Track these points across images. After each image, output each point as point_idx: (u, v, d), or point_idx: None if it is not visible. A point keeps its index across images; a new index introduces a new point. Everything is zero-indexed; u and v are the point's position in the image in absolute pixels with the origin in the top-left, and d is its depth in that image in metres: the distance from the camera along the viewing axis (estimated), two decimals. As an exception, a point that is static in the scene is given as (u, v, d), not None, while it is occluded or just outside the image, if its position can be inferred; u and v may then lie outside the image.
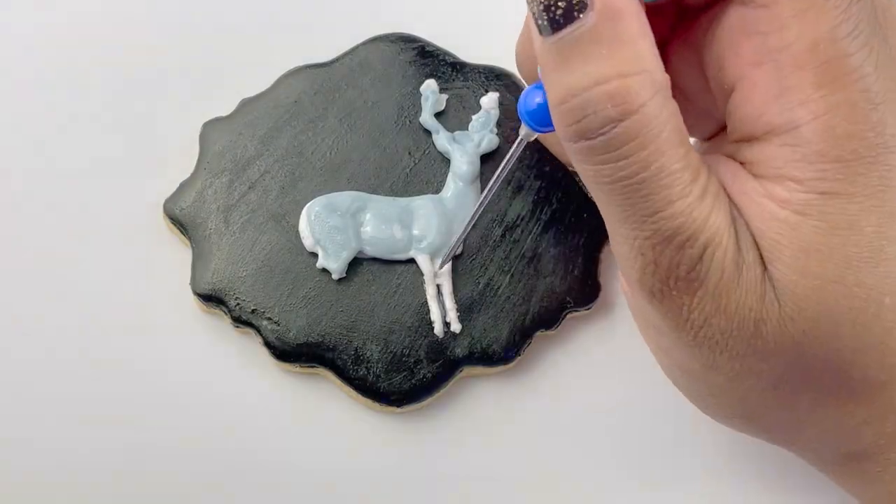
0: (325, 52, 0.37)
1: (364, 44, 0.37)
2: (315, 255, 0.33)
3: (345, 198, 0.34)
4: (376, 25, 0.37)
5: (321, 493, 0.33)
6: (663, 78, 0.21)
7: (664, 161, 0.21)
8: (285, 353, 0.33)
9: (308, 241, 0.33)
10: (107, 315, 0.34)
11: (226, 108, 0.36)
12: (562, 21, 0.20)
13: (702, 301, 0.22)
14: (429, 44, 0.37)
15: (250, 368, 0.34)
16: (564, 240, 0.34)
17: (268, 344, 0.33)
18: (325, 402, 0.33)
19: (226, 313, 0.33)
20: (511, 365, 0.33)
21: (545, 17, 0.20)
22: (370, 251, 0.33)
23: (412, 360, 0.33)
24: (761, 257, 0.22)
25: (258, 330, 0.33)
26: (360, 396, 0.33)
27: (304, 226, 0.33)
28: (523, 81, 0.36)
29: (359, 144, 0.35)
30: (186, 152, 0.35)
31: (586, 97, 0.20)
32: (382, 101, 0.36)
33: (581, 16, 0.20)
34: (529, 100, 0.25)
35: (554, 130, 0.24)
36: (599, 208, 0.23)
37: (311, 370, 0.33)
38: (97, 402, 0.33)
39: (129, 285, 0.34)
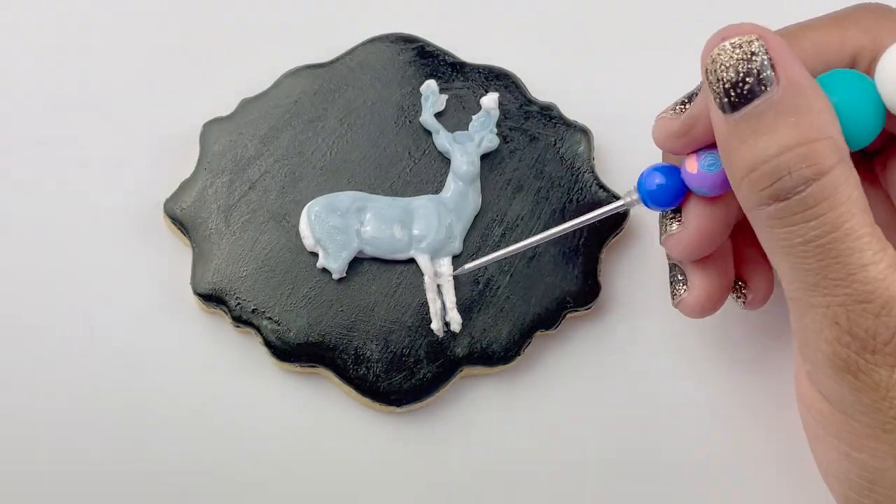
0: (325, 52, 0.37)
1: (364, 44, 0.37)
2: (315, 255, 0.33)
3: (345, 198, 0.34)
4: (376, 25, 0.37)
5: (321, 493, 0.33)
6: (846, 148, 0.22)
7: (854, 223, 0.21)
8: (285, 352, 0.33)
9: (308, 241, 0.33)
10: (107, 315, 0.34)
11: (226, 108, 0.36)
12: (748, 97, 0.21)
13: None
14: (429, 44, 0.37)
15: (250, 368, 0.34)
16: (564, 240, 0.34)
17: (268, 344, 0.33)
18: (325, 401, 0.33)
19: (226, 313, 0.33)
20: (511, 365, 0.33)
21: (731, 96, 0.22)
22: (370, 251, 0.33)
23: (412, 360, 0.33)
24: None
25: (258, 330, 0.33)
26: (360, 396, 0.33)
27: (304, 226, 0.33)
28: (524, 83, 0.36)
29: (359, 144, 0.35)
30: (187, 152, 0.35)
31: (780, 161, 0.21)
32: (382, 101, 0.36)
33: (768, 89, 0.21)
34: (649, 181, 0.27)
35: (666, 208, 0.27)
36: (786, 279, 0.23)
37: (311, 370, 0.33)
38: (97, 402, 0.33)
39: (129, 285, 0.34)
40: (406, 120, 0.35)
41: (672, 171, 0.27)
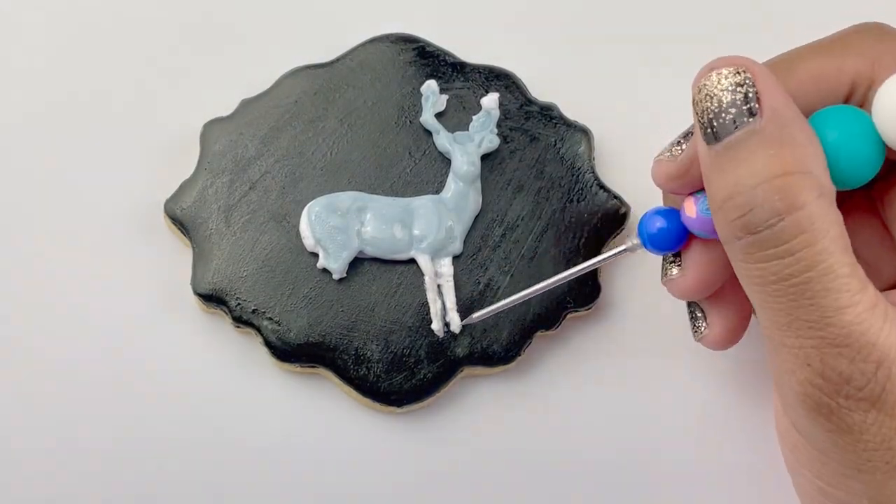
0: (326, 52, 0.37)
1: (364, 44, 0.37)
2: (315, 256, 0.33)
3: (345, 198, 0.34)
4: (376, 25, 0.37)
5: (321, 493, 0.33)
6: (829, 185, 0.21)
7: (832, 262, 0.20)
8: (286, 353, 0.33)
9: (309, 242, 0.33)
10: (107, 315, 0.34)
11: (226, 108, 0.36)
12: (730, 127, 0.21)
13: (878, 419, 0.20)
14: (429, 44, 0.37)
15: (251, 368, 0.34)
16: (564, 240, 0.34)
17: (268, 344, 0.33)
18: (325, 402, 0.33)
19: (226, 313, 0.33)
20: (511, 365, 0.33)
21: (714, 126, 0.21)
22: (371, 251, 0.33)
23: (412, 360, 0.33)
24: None
25: (259, 330, 0.33)
26: (360, 396, 0.33)
27: (304, 226, 0.33)
28: (524, 84, 0.36)
29: (359, 144, 0.35)
30: (187, 152, 0.35)
31: (753, 192, 0.20)
32: (383, 101, 0.36)
33: (751, 120, 0.21)
34: (650, 224, 0.26)
35: (668, 251, 0.26)
36: (760, 316, 0.22)
37: (311, 370, 0.33)
38: (97, 402, 0.33)
39: (129, 285, 0.34)
40: (406, 120, 0.35)
41: (673, 214, 0.26)
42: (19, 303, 0.34)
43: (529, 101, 0.36)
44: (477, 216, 0.34)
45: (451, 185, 0.34)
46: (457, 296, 0.33)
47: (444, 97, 0.36)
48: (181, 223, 0.34)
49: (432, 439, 0.33)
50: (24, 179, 0.36)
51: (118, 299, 0.34)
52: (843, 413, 0.21)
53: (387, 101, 0.36)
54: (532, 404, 0.34)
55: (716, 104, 0.21)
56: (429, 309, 0.33)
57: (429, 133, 0.35)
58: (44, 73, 0.37)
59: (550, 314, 0.34)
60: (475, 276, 0.34)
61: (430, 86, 0.35)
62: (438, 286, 0.33)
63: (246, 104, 0.36)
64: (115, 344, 0.34)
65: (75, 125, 0.36)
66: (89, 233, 0.35)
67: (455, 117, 0.36)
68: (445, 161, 0.35)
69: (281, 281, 0.33)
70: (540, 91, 0.36)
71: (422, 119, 0.35)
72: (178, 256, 0.34)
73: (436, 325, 0.33)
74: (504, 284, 0.34)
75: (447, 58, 0.37)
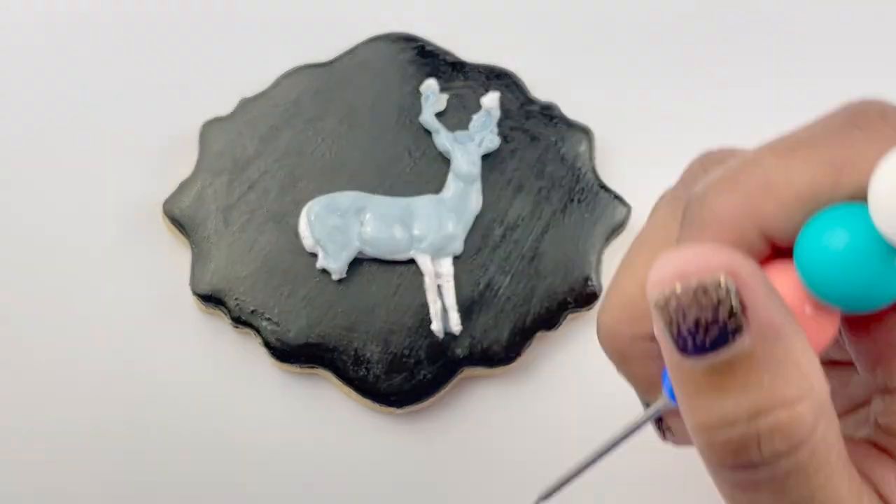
0: (325, 51, 0.37)
1: (364, 43, 0.36)
2: (315, 256, 0.33)
3: (345, 198, 0.34)
4: (376, 25, 0.37)
5: (321, 494, 0.33)
6: (826, 393, 0.18)
7: (829, 491, 0.18)
8: (285, 353, 0.32)
9: (308, 242, 0.33)
10: (106, 315, 0.34)
11: (225, 107, 0.36)
12: (710, 347, 0.17)
13: None
14: (429, 43, 0.37)
15: (250, 369, 0.34)
16: (565, 240, 0.34)
17: (267, 344, 0.33)
18: (324, 402, 0.33)
19: (225, 314, 0.33)
20: (511, 365, 0.33)
21: (688, 344, 0.17)
22: (370, 251, 0.33)
23: (412, 361, 0.33)
24: None
25: (258, 330, 0.33)
26: (360, 397, 0.33)
27: (304, 226, 0.33)
28: (524, 83, 0.36)
29: (359, 144, 0.35)
30: (186, 152, 0.35)
31: (748, 430, 0.17)
32: (382, 100, 0.36)
33: (736, 338, 0.17)
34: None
35: None
36: None
37: (310, 371, 0.33)
38: (96, 402, 0.33)
39: (128, 285, 0.34)
40: (406, 119, 0.35)
41: None
42: (18, 303, 0.34)
43: (530, 101, 0.36)
44: (477, 216, 0.34)
45: (452, 185, 0.34)
46: (457, 296, 0.33)
47: (445, 96, 0.35)
48: (180, 223, 0.34)
49: (432, 440, 0.33)
50: (23, 179, 0.36)
51: (117, 300, 0.34)
52: None
53: (387, 100, 0.36)
54: (532, 404, 0.34)
55: (690, 322, 0.17)
56: (429, 309, 0.33)
57: (429, 133, 0.35)
58: (42, 73, 0.37)
59: (551, 314, 0.33)
60: (475, 276, 0.34)
61: (430, 85, 0.35)
62: (438, 286, 0.33)
63: (245, 103, 0.36)
64: (114, 344, 0.34)
65: (74, 125, 0.36)
66: (88, 233, 0.35)
67: (455, 117, 0.35)
68: (445, 161, 0.35)
69: (280, 281, 0.33)
70: (540, 90, 0.36)
71: (422, 118, 0.35)
72: (176, 257, 0.34)
73: (436, 326, 0.33)
74: (504, 284, 0.34)
75: (447, 57, 0.36)
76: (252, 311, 0.33)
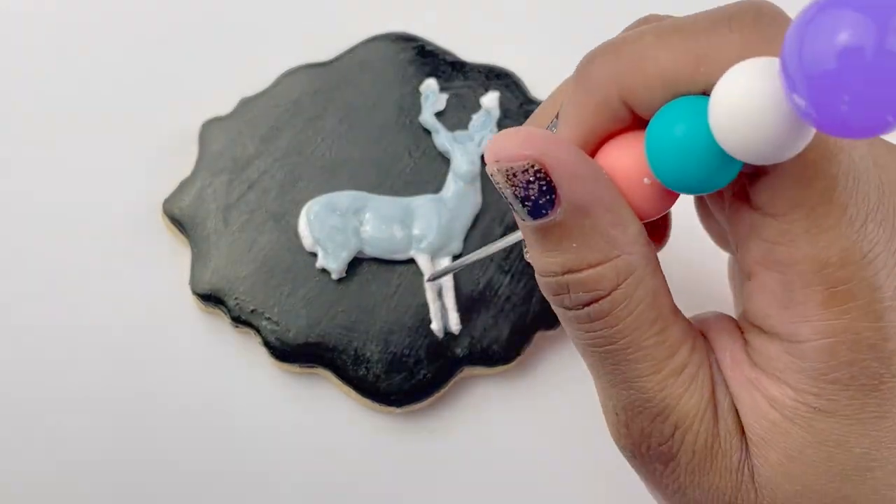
0: (325, 51, 0.37)
1: (364, 43, 0.36)
2: (314, 255, 0.33)
3: (344, 197, 0.34)
4: (376, 24, 0.37)
5: (321, 493, 0.33)
6: (642, 256, 0.21)
7: (634, 337, 0.21)
8: (285, 353, 0.32)
9: (307, 241, 0.33)
10: (105, 315, 0.34)
11: (225, 107, 0.36)
12: (532, 214, 0.20)
13: (675, 472, 0.22)
14: (428, 43, 0.37)
15: (250, 368, 0.34)
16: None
17: (267, 344, 0.33)
18: (324, 402, 0.33)
19: (225, 313, 0.33)
20: (511, 365, 0.33)
21: (516, 208, 0.21)
22: (370, 251, 0.33)
23: (412, 361, 0.32)
24: (745, 446, 0.22)
25: (258, 330, 0.33)
26: (359, 397, 0.33)
27: (303, 225, 0.33)
28: (524, 83, 0.36)
29: (358, 144, 0.35)
30: (185, 151, 0.35)
31: (560, 281, 0.21)
32: (382, 100, 0.36)
33: (548, 212, 0.20)
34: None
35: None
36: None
37: (310, 370, 0.33)
38: (95, 402, 0.33)
39: (128, 285, 0.34)
40: (406, 119, 0.35)
41: None
42: (17, 302, 0.34)
43: (529, 100, 0.36)
44: (477, 215, 0.34)
45: (451, 185, 0.34)
46: (456, 295, 0.33)
47: (444, 96, 0.35)
48: (180, 223, 0.34)
49: (432, 439, 0.33)
50: (23, 179, 0.36)
51: (116, 299, 0.34)
52: (647, 460, 0.23)
53: (386, 100, 0.36)
54: (532, 404, 0.34)
55: (510, 194, 0.20)
56: (428, 309, 0.33)
57: (428, 132, 0.35)
58: (41, 73, 0.37)
59: (550, 314, 0.33)
60: (475, 276, 0.34)
61: (430, 85, 0.35)
62: (438, 286, 0.33)
63: (245, 103, 0.36)
64: (114, 344, 0.34)
65: (73, 124, 0.36)
66: (87, 232, 0.35)
67: (455, 116, 0.35)
68: (445, 160, 0.35)
69: (280, 281, 0.33)
70: (540, 90, 0.36)
71: (421, 118, 0.35)
72: (176, 256, 0.34)
73: (435, 325, 0.33)
74: (504, 284, 0.33)
75: (447, 57, 0.36)
76: (252, 311, 0.33)
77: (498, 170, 0.20)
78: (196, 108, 0.36)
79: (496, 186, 0.20)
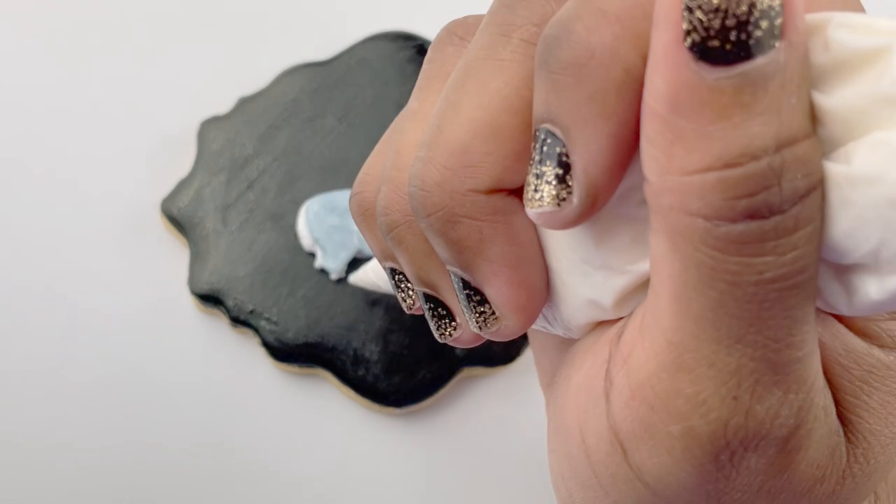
0: (324, 50, 0.36)
1: (363, 42, 0.36)
2: (313, 255, 0.33)
3: (344, 197, 0.34)
4: (375, 23, 0.37)
5: (320, 493, 0.33)
6: None
7: (815, 267, 0.15)
8: (284, 353, 0.32)
9: (306, 241, 0.33)
10: (104, 315, 0.34)
11: (224, 106, 0.35)
12: (747, 50, 0.14)
13: (769, 465, 0.16)
14: (427, 41, 0.36)
15: (249, 369, 0.33)
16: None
17: (266, 344, 0.32)
18: (324, 402, 0.33)
19: (224, 313, 0.33)
20: (510, 365, 0.33)
21: (722, 39, 0.14)
22: (369, 251, 0.33)
23: (412, 361, 0.32)
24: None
25: (256, 330, 0.32)
26: (359, 397, 0.32)
27: (302, 225, 0.33)
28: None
29: (358, 143, 0.35)
30: (184, 151, 0.35)
31: (773, 161, 0.14)
32: (381, 98, 0.35)
33: (776, 45, 0.14)
34: None
35: None
36: (687, 324, 0.16)
37: (309, 370, 0.33)
38: (95, 402, 0.33)
39: (126, 285, 0.34)
40: (405, 118, 0.35)
41: None
42: (15, 302, 0.34)
43: (529, 99, 0.36)
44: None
45: (451, 184, 0.34)
46: (456, 295, 0.33)
47: (444, 95, 0.35)
48: (178, 223, 0.34)
49: (432, 439, 0.33)
50: (21, 179, 0.36)
51: (114, 299, 0.34)
52: (739, 460, 0.16)
53: (386, 98, 0.35)
54: (532, 404, 0.34)
55: (745, 7, 0.14)
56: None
57: (428, 131, 0.35)
58: (40, 72, 0.37)
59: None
60: (475, 275, 0.33)
61: (429, 83, 0.35)
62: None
63: (244, 102, 0.35)
64: (112, 344, 0.33)
65: (72, 124, 0.36)
66: (85, 232, 0.35)
67: (454, 115, 0.35)
68: (445, 159, 0.35)
69: (279, 281, 0.33)
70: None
71: (421, 117, 0.35)
72: (174, 256, 0.34)
73: (435, 325, 0.33)
74: (504, 284, 0.33)
75: (446, 55, 0.36)
76: (251, 311, 0.33)
77: None
78: (194, 107, 0.35)
79: (672, 32, 0.14)
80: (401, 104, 0.35)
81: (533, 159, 0.16)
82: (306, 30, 0.38)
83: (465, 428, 0.33)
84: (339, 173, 0.34)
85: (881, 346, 0.18)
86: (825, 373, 0.17)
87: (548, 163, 0.16)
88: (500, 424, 0.33)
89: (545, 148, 0.16)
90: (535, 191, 0.16)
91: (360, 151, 0.35)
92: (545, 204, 0.16)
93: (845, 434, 0.17)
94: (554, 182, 0.16)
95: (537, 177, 0.16)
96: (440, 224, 0.17)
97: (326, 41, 0.37)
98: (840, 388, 0.17)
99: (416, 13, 0.38)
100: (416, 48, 0.36)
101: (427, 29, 0.37)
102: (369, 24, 0.37)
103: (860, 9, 0.16)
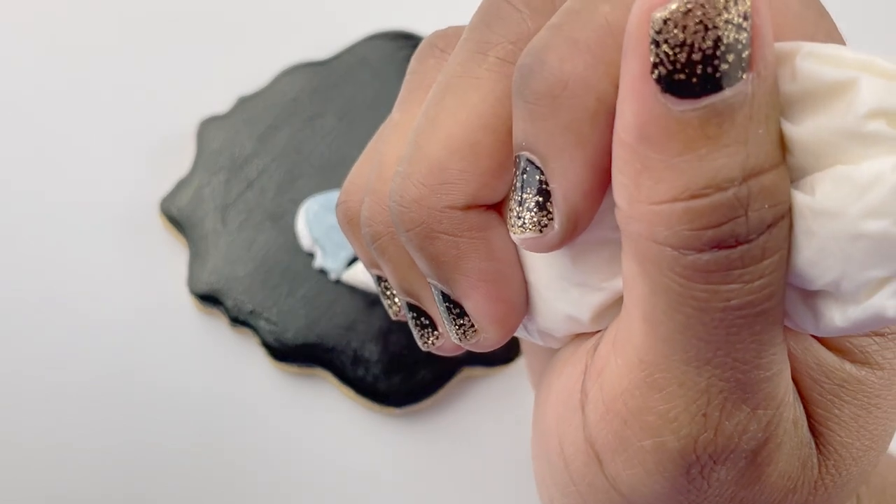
0: (323, 49, 0.36)
1: (362, 41, 0.36)
2: (313, 255, 0.33)
3: (343, 196, 0.33)
4: (374, 22, 0.37)
5: (320, 494, 0.32)
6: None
7: (782, 282, 0.15)
8: (283, 353, 0.32)
9: (306, 241, 0.33)
10: (103, 315, 0.34)
11: (223, 105, 0.35)
12: (715, 82, 0.14)
13: (739, 477, 0.17)
14: (428, 40, 0.36)
15: (248, 369, 0.33)
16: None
17: (266, 344, 0.32)
18: (323, 402, 0.33)
19: (223, 313, 0.33)
20: (510, 365, 0.33)
21: (688, 73, 0.14)
22: (369, 250, 0.33)
23: (411, 361, 0.32)
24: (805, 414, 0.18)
25: (256, 330, 0.32)
26: (358, 397, 0.32)
27: (301, 225, 0.33)
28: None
29: (357, 142, 0.35)
30: (183, 150, 0.35)
31: (739, 192, 0.14)
32: (381, 98, 0.35)
33: (744, 77, 0.14)
34: None
35: None
36: (658, 346, 0.16)
37: (309, 371, 0.33)
38: (94, 402, 0.33)
39: (125, 285, 0.34)
40: (405, 117, 0.35)
41: None
42: (14, 303, 0.34)
43: (529, 99, 0.36)
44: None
45: (451, 184, 0.34)
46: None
47: (444, 94, 0.35)
48: (177, 222, 0.34)
49: (431, 440, 0.33)
50: (20, 178, 0.35)
51: (113, 299, 0.34)
52: (709, 472, 0.17)
53: (385, 97, 0.35)
54: (531, 404, 0.34)
55: (710, 42, 0.14)
56: (428, 309, 0.33)
57: (428, 131, 0.35)
58: (39, 71, 0.37)
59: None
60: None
61: (429, 83, 0.35)
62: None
63: (243, 102, 0.35)
64: (111, 344, 0.33)
65: (71, 123, 0.36)
66: (84, 232, 0.35)
67: (454, 115, 0.35)
68: (444, 159, 0.35)
69: (278, 281, 0.33)
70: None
71: (421, 116, 0.35)
72: (174, 256, 0.34)
73: (435, 325, 0.32)
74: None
75: (446, 54, 0.36)
76: (250, 311, 0.33)
77: (680, 6, 0.13)
78: (194, 106, 0.35)
79: (662, 30, 0.14)
80: (400, 103, 0.35)
81: (515, 185, 0.16)
82: (306, 29, 0.38)
83: (465, 428, 0.33)
84: (339, 173, 0.34)
85: (853, 362, 0.18)
86: (797, 385, 0.17)
87: (529, 190, 0.16)
88: (500, 424, 0.33)
89: (525, 175, 0.16)
90: (518, 217, 0.16)
91: (360, 151, 0.35)
92: (528, 230, 0.16)
93: (817, 446, 0.18)
94: (535, 209, 0.16)
95: (519, 203, 0.16)
96: (419, 239, 0.17)
97: (326, 40, 0.37)
98: (811, 402, 0.18)
99: (416, 12, 0.38)
100: (416, 47, 0.36)
101: (427, 28, 0.37)
102: (369, 24, 0.37)
103: (835, 32, 0.16)
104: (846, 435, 0.18)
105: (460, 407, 0.33)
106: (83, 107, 0.36)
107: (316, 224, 0.33)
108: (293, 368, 0.33)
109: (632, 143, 0.14)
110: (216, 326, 0.34)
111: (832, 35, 0.16)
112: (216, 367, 0.33)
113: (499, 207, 0.18)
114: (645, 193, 0.14)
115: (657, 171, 0.14)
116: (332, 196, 0.33)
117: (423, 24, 0.37)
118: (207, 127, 0.35)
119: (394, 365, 0.32)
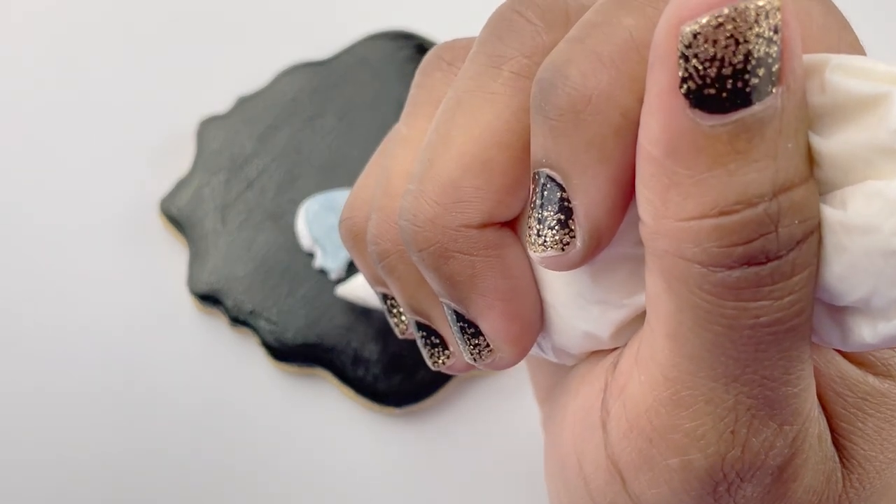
0: (323, 49, 0.36)
1: (362, 41, 0.36)
2: (313, 255, 0.33)
3: (343, 196, 0.33)
4: (374, 22, 0.37)
5: (320, 494, 0.32)
6: None
7: (810, 299, 0.15)
8: (283, 353, 0.32)
9: (306, 241, 0.33)
10: (102, 315, 0.34)
11: (223, 105, 0.35)
12: (744, 97, 0.13)
13: (787, 484, 0.16)
14: (427, 40, 0.36)
15: (248, 369, 0.33)
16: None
17: (266, 344, 0.32)
18: (323, 402, 0.33)
19: (223, 313, 0.33)
20: (511, 365, 0.33)
21: (718, 87, 0.13)
22: (369, 250, 0.33)
23: (411, 361, 0.32)
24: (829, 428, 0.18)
25: (256, 330, 0.32)
26: (358, 397, 0.32)
27: (301, 225, 0.33)
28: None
29: (357, 142, 0.35)
30: (183, 150, 0.35)
31: (770, 208, 0.14)
32: (381, 98, 0.35)
33: (773, 91, 0.13)
34: None
35: None
36: (684, 363, 0.16)
37: (309, 371, 0.33)
38: (93, 402, 0.33)
39: (125, 285, 0.34)
40: (405, 117, 0.35)
41: None
42: (14, 303, 0.34)
43: (529, 98, 0.36)
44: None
45: (451, 184, 0.34)
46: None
47: (443, 94, 0.35)
48: (177, 222, 0.34)
49: (431, 440, 0.33)
50: (20, 178, 0.35)
51: (113, 299, 0.34)
52: (735, 490, 0.16)
53: (385, 97, 0.35)
54: (531, 404, 0.34)
55: (741, 56, 0.13)
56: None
57: (428, 130, 0.35)
58: (38, 72, 0.37)
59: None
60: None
61: (429, 83, 0.35)
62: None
63: (243, 101, 0.35)
64: (111, 344, 0.33)
65: (71, 123, 0.36)
66: (84, 232, 0.35)
67: (454, 114, 0.35)
68: (444, 159, 0.35)
69: (278, 281, 0.33)
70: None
71: (420, 116, 0.35)
72: (173, 256, 0.34)
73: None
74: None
75: (446, 54, 0.36)
76: (250, 311, 0.33)
77: (751, 6, 0.13)
78: (193, 106, 0.35)
79: (691, 44, 0.13)
80: (400, 103, 0.35)
81: (534, 203, 0.16)
82: (306, 29, 0.38)
83: (465, 428, 0.33)
84: (339, 173, 0.34)
85: (876, 374, 0.18)
86: (820, 399, 0.17)
87: (549, 208, 0.16)
88: (499, 424, 0.33)
89: (545, 192, 0.16)
90: (539, 235, 0.16)
91: (360, 151, 0.35)
92: (549, 249, 0.16)
93: (840, 460, 0.17)
94: (556, 227, 0.16)
95: (539, 221, 0.16)
96: (432, 259, 0.17)
97: (326, 40, 0.37)
98: (835, 415, 0.18)
99: (416, 12, 0.38)
100: (416, 47, 0.36)
101: (427, 28, 0.37)
102: (369, 23, 0.37)
103: (857, 44, 0.16)
104: (870, 448, 0.18)
105: (460, 407, 0.33)
106: (83, 106, 0.36)
107: (316, 224, 0.33)
108: (293, 368, 0.33)
109: (659, 157, 0.14)
110: (216, 326, 0.34)
111: (854, 46, 0.16)
112: (216, 367, 0.33)
113: (513, 224, 0.17)
114: (672, 209, 0.14)
115: (685, 187, 0.14)
116: (332, 196, 0.33)
117: (423, 24, 0.37)
118: (207, 127, 0.35)
119: (394, 365, 0.32)
